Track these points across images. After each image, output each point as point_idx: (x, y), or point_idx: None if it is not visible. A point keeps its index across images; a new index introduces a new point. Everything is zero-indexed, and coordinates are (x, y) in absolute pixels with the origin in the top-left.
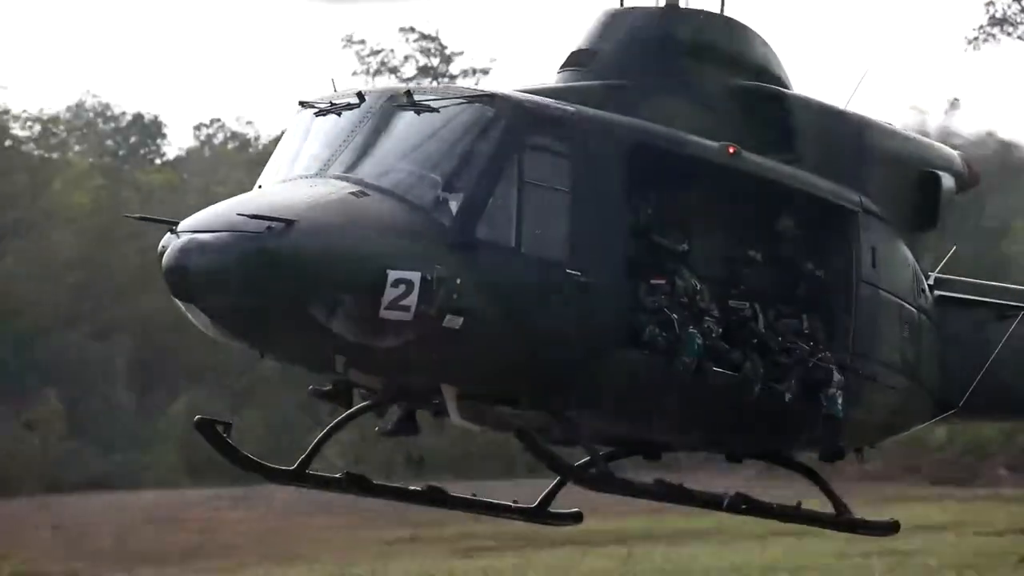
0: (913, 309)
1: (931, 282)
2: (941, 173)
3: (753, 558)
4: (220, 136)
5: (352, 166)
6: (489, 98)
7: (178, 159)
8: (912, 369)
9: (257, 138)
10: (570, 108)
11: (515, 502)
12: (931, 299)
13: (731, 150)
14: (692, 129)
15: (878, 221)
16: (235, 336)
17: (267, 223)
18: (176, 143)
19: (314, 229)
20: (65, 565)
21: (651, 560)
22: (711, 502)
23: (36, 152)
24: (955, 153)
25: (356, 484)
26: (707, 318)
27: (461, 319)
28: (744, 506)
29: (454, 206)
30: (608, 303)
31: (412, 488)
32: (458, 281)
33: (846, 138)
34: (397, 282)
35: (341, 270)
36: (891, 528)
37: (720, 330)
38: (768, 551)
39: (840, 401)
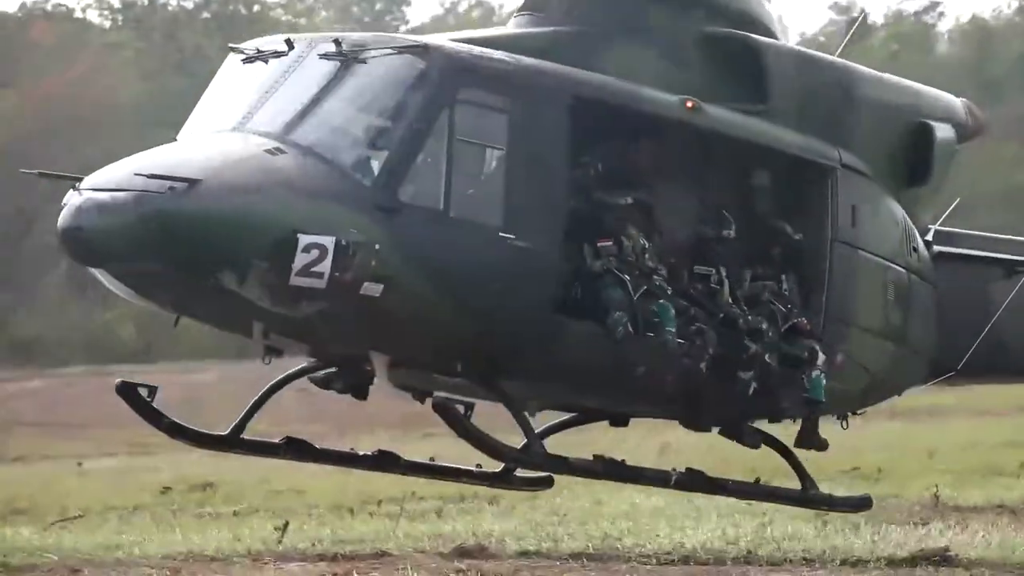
0: (901, 269)
1: (930, 237)
2: (935, 124)
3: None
4: (464, 4)
5: (272, 120)
6: (421, 49)
7: (422, 27)
8: (898, 333)
9: (501, 7)
10: (510, 60)
11: (479, 466)
12: (927, 257)
13: (689, 105)
14: (655, 81)
15: (860, 177)
16: (144, 299)
17: (169, 183)
18: (421, 11)
19: (219, 190)
20: (307, 427)
21: None
22: (657, 479)
23: (284, 18)
24: (958, 101)
25: (297, 449)
26: (656, 276)
27: (381, 287)
28: (695, 483)
29: (376, 166)
30: (547, 267)
31: (361, 453)
32: (377, 247)
33: (827, 89)
34: (309, 247)
35: (247, 234)
36: (863, 504)
37: (670, 290)
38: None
39: (824, 383)
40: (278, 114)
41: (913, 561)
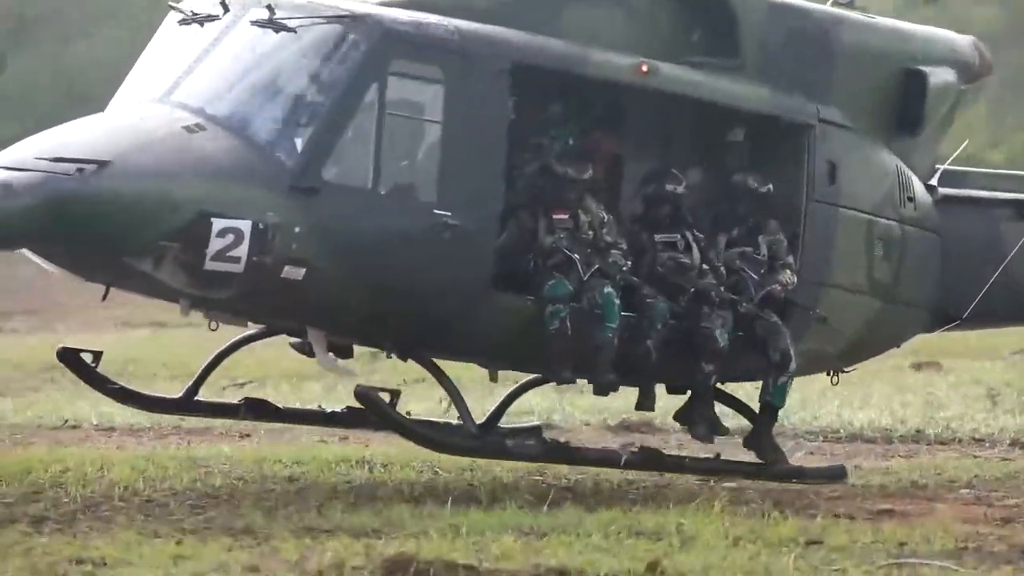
0: (892, 222)
1: (936, 180)
2: (929, 68)
3: None
4: None
5: (197, 92)
6: (351, 19)
7: None
8: (887, 289)
9: None
10: (447, 26)
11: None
12: (928, 203)
13: (644, 68)
14: (618, 38)
15: (842, 131)
16: (73, 275)
17: (78, 164)
18: None
19: (130, 172)
20: None
21: None
22: (605, 460)
23: None
24: (964, 40)
25: (257, 409)
26: (614, 251)
27: (303, 270)
28: (648, 462)
29: (299, 144)
30: (485, 245)
31: (329, 411)
32: (297, 229)
33: (806, 40)
34: (224, 231)
35: (159, 218)
36: (837, 475)
37: (629, 263)
38: None
39: (788, 390)
40: (204, 85)
41: None
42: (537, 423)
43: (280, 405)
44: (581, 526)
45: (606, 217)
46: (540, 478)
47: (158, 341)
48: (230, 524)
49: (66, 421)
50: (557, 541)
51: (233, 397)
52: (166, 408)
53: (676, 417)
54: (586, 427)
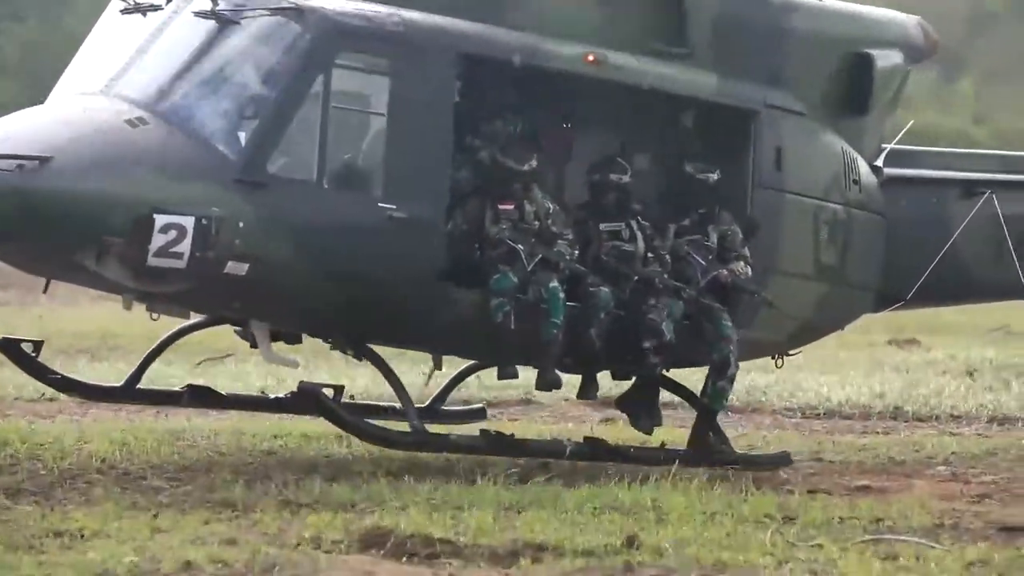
0: (837, 206)
1: (881, 161)
2: (876, 52)
3: None
4: None
5: (140, 84)
6: (295, 11)
7: None
8: (833, 273)
9: None
10: (394, 18)
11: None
12: (873, 185)
13: (591, 58)
14: (570, 26)
15: (790, 116)
16: (20, 269)
17: (18, 161)
18: None
19: (71, 168)
20: None
21: None
22: (550, 451)
23: None
24: (910, 21)
25: (200, 397)
26: (560, 242)
27: (247, 265)
28: (593, 453)
29: (243, 138)
30: (431, 237)
31: (272, 396)
32: (241, 224)
33: (755, 26)
34: (166, 227)
35: (100, 214)
36: (782, 461)
37: (576, 252)
38: None
39: (728, 396)
40: (147, 78)
41: None
42: (480, 405)
43: (224, 391)
44: (559, 502)
45: (552, 207)
46: None
47: (141, 314)
48: (208, 497)
49: (43, 394)
50: (535, 516)
51: (209, 371)
52: (107, 397)
53: (618, 404)
54: (565, 402)
